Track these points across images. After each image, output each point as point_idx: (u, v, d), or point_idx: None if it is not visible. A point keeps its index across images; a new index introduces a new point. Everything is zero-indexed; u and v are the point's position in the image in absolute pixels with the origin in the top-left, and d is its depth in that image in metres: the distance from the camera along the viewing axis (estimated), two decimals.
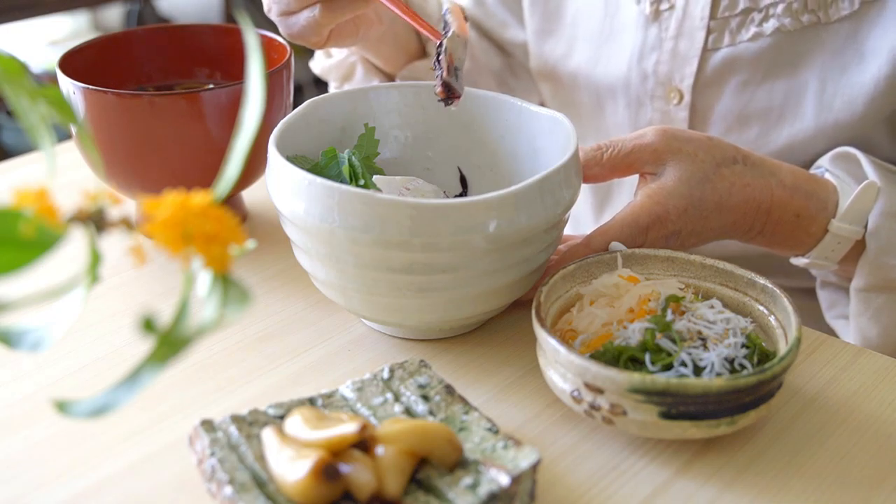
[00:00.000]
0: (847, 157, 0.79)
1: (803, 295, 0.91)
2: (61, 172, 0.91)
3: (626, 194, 0.98)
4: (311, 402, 0.58)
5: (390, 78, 0.98)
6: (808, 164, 0.84)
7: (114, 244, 0.50)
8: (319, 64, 1.00)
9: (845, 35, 0.81)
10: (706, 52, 0.86)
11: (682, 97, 0.88)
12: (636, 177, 0.94)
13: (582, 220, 1.05)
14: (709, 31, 0.85)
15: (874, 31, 0.80)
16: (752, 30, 0.83)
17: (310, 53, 1.03)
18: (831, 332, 0.83)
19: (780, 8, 0.81)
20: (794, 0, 0.81)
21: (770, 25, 0.82)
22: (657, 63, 0.88)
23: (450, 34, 0.71)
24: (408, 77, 0.96)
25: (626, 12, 0.90)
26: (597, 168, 0.72)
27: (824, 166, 0.80)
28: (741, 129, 0.87)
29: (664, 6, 0.87)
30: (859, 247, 0.77)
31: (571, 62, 0.96)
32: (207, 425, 0.55)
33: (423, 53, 0.98)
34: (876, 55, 0.80)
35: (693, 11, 0.85)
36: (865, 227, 0.76)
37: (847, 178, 0.78)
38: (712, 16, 0.84)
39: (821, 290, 0.87)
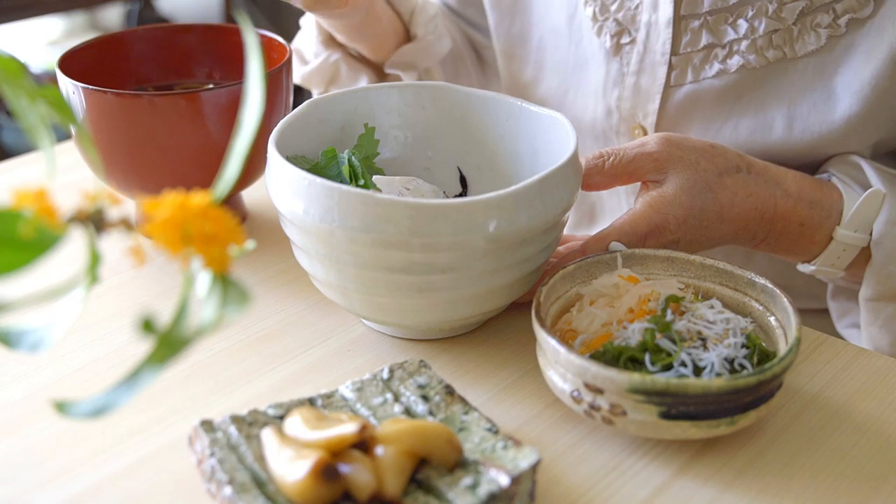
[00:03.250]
0: (851, 163, 0.78)
1: (810, 315, 0.89)
2: (61, 172, 0.91)
3: (610, 213, 0.96)
4: (311, 402, 0.58)
5: (378, 68, 0.97)
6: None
7: (113, 244, 0.50)
8: (298, 73, 0.97)
9: (813, 71, 0.78)
10: (669, 88, 0.83)
11: (645, 134, 0.85)
12: (624, 193, 0.94)
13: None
14: (671, 67, 0.82)
15: (843, 67, 0.77)
16: (716, 66, 0.80)
17: None
18: None
19: (744, 44, 0.79)
20: (759, 36, 0.78)
21: (734, 62, 0.80)
22: (619, 99, 0.86)
23: None
24: (396, 64, 0.95)
25: (588, 44, 0.88)
26: (598, 177, 0.72)
27: (830, 171, 0.79)
28: None
29: (625, 40, 0.84)
30: (866, 253, 0.76)
31: (540, 89, 0.94)
32: (207, 425, 0.55)
33: (406, 36, 0.96)
34: (846, 92, 0.77)
35: (654, 46, 0.83)
36: (871, 234, 0.75)
37: (853, 184, 0.76)
38: (674, 51, 0.82)
39: (832, 301, 0.86)
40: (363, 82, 0.95)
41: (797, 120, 0.79)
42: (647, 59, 0.83)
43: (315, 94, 1.00)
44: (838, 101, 0.78)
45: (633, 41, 0.84)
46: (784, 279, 0.87)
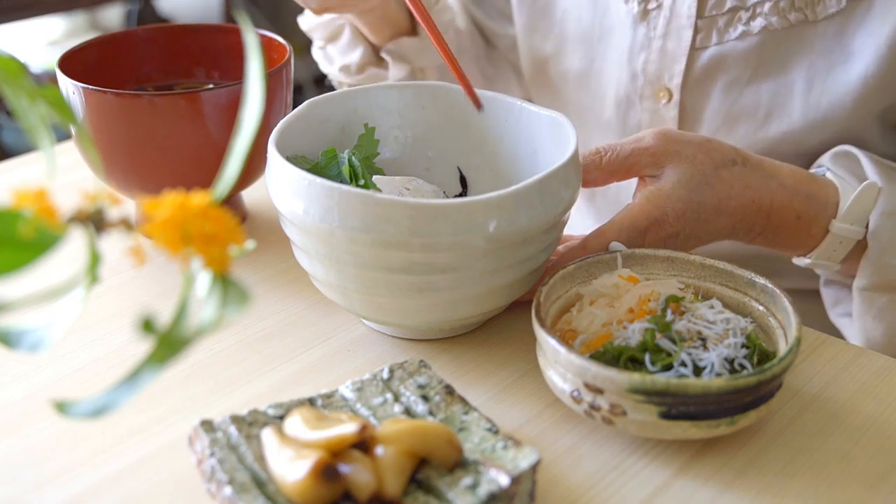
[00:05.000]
0: (847, 155, 0.79)
1: (803, 296, 0.91)
2: (61, 172, 0.91)
3: (604, 193, 0.97)
4: (311, 402, 0.58)
5: (375, 50, 0.97)
6: (800, 158, 0.84)
7: (113, 244, 0.50)
8: (307, 21, 0.98)
9: (832, 34, 0.81)
10: (694, 50, 0.86)
11: (671, 96, 0.88)
12: (616, 189, 0.94)
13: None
14: (696, 30, 0.85)
15: (861, 30, 0.80)
16: (740, 28, 0.83)
17: (310, 53, 1.02)
18: (834, 333, 0.83)
19: (767, 6, 0.81)
20: None
21: (757, 24, 0.82)
22: (646, 62, 0.88)
23: None
24: (394, 51, 0.95)
25: (614, 12, 0.90)
26: (596, 172, 0.72)
27: (825, 165, 0.80)
28: (729, 128, 0.87)
29: (652, 5, 0.87)
30: (862, 246, 0.77)
31: (561, 61, 0.96)
32: (207, 425, 0.55)
33: (412, 30, 0.97)
34: (863, 53, 0.80)
35: (680, 10, 0.85)
36: (867, 227, 0.76)
37: (849, 177, 0.77)
38: (699, 14, 0.84)
39: (824, 288, 0.87)
40: (357, 53, 0.96)
41: (816, 81, 0.82)
42: (673, 22, 0.86)
43: (315, 46, 1.00)
44: (856, 61, 0.80)
45: (659, 6, 0.86)
46: (783, 259, 0.87)
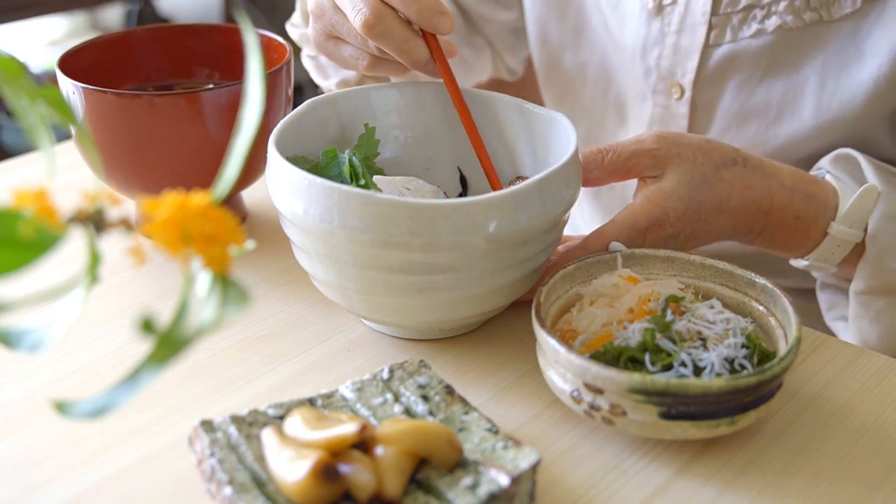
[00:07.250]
0: (848, 158, 0.79)
1: (802, 295, 0.91)
2: (61, 173, 0.91)
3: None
4: (311, 402, 0.58)
5: None
6: (808, 161, 0.84)
7: (113, 244, 0.50)
8: (298, 29, 0.97)
9: (846, 34, 0.81)
10: (707, 47, 0.86)
11: (683, 92, 0.88)
12: (622, 187, 0.94)
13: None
14: (710, 27, 0.85)
15: (875, 30, 0.80)
16: (754, 27, 0.83)
17: None
18: (830, 334, 0.83)
19: (782, 5, 0.81)
20: None
21: (772, 23, 0.82)
22: (659, 58, 0.89)
23: None
24: None
25: (629, 7, 0.90)
26: (597, 171, 0.72)
27: (825, 168, 0.80)
28: (740, 126, 0.87)
29: (667, 0, 0.87)
30: (859, 249, 0.77)
31: (574, 54, 0.96)
32: (207, 425, 0.55)
33: None
34: (876, 54, 0.80)
35: (695, 6, 0.85)
36: (865, 230, 0.76)
37: (848, 180, 0.77)
38: (714, 11, 0.85)
39: (821, 292, 0.87)
40: None
41: (828, 81, 0.82)
42: (687, 19, 0.86)
43: (305, 54, 0.98)
44: (868, 62, 0.80)
45: (674, 2, 0.87)
46: (783, 259, 0.88)
